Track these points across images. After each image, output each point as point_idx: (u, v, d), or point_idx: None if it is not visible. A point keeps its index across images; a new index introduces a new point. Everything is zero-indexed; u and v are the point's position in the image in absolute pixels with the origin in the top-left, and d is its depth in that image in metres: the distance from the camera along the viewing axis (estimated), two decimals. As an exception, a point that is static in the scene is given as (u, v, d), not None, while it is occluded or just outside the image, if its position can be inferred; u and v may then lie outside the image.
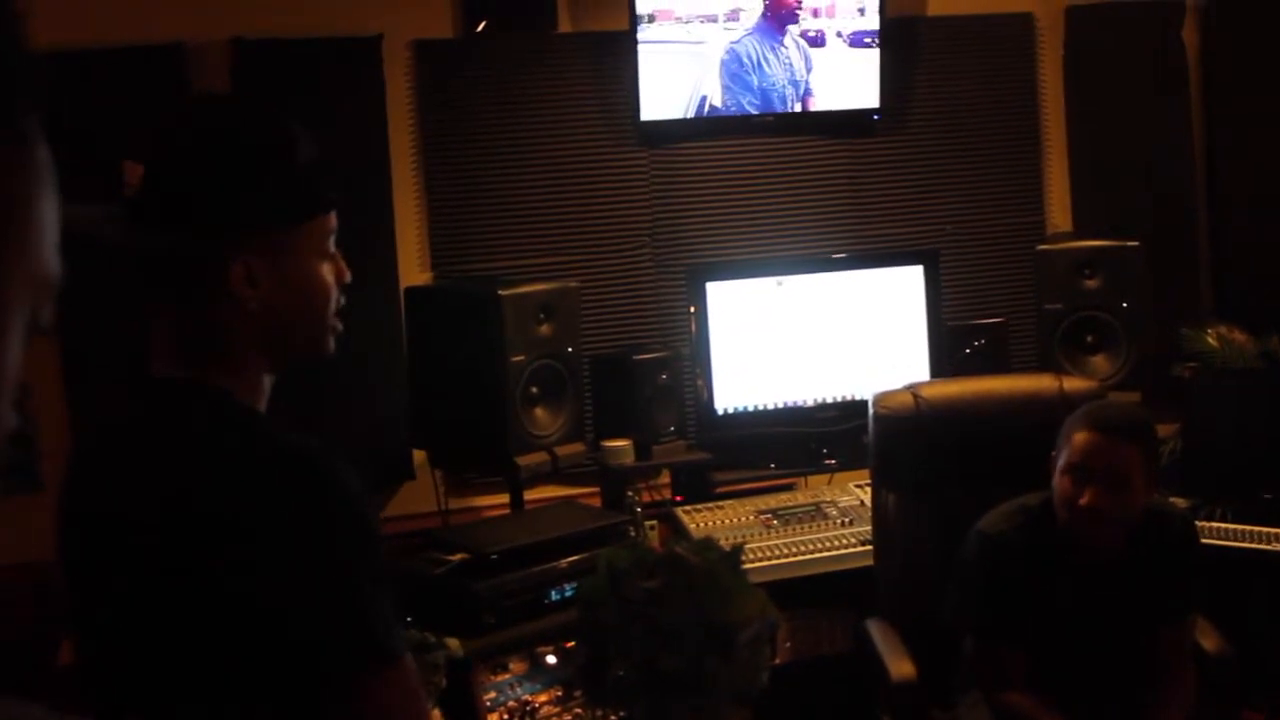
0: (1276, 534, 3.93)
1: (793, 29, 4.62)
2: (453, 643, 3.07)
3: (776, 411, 4.51)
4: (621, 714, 2.88)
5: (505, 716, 3.14)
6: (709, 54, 4.55)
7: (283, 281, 1.60)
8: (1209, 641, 3.39)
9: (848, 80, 4.72)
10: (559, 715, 3.17)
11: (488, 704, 3.13)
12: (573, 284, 4.18)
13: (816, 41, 4.66)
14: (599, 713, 3.03)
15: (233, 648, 1.45)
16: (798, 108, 4.70)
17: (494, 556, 3.36)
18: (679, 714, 2.34)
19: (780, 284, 4.51)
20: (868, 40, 4.70)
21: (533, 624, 3.32)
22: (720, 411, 4.45)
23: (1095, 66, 5.12)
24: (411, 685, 1.52)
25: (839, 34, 4.66)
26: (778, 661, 3.85)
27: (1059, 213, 5.15)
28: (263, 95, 4.14)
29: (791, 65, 4.64)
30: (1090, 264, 4.54)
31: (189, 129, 1.63)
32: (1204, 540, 3.72)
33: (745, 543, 3.79)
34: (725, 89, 4.59)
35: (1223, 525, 4.06)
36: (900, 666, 3.39)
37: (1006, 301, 4.98)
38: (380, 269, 4.36)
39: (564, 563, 3.42)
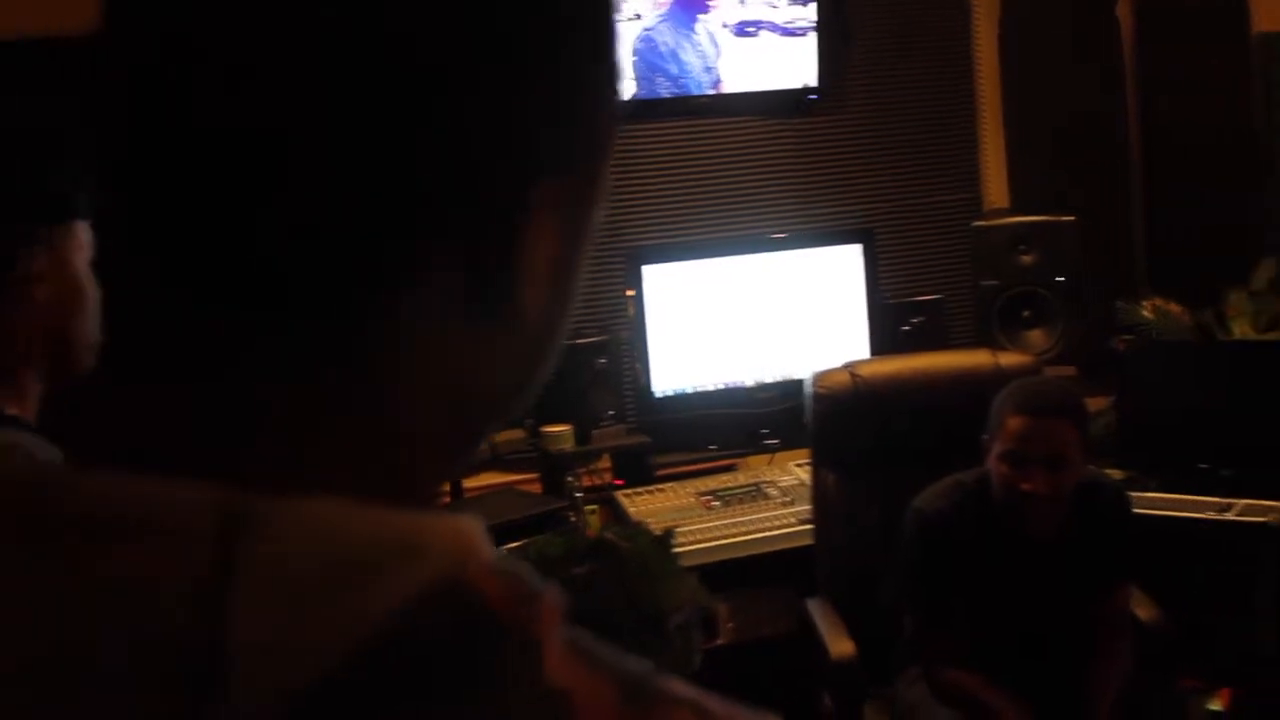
0: (1211, 503, 3.96)
1: (705, 17, 4.59)
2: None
3: (716, 393, 4.52)
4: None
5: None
6: (624, 40, 4.51)
7: (60, 279, 1.57)
8: (1144, 611, 3.42)
9: (779, 60, 4.72)
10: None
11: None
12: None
13: (752, 21, 4.66)
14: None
15: None
16: (710, 93, 4.68)
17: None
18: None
19: (717, 265, 4.51)
20: (804, 20, 4.70)
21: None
22: (659, 394, 4.45)
23: (1030, 43, 5.14)
24: None
25: (773, 6, 4.65)
26: (720, 643, 3.87)
27: (996, 189, 5.18)
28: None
29: (704, 52, 4.63)
30: (1025, 240, 4.57)
31: None
32: (1139, 510, 3.75)
33: (679, 526, 3.81)
34: (641, 78, 4.56)
35: (1158, 495, 4.09)
36: (840, 645, 3.40)
37: (944, 278, 5.01)
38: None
39: (504, 550, 3.41)
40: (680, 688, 0.59)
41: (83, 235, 1.62)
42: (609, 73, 0.65)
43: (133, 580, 0.53)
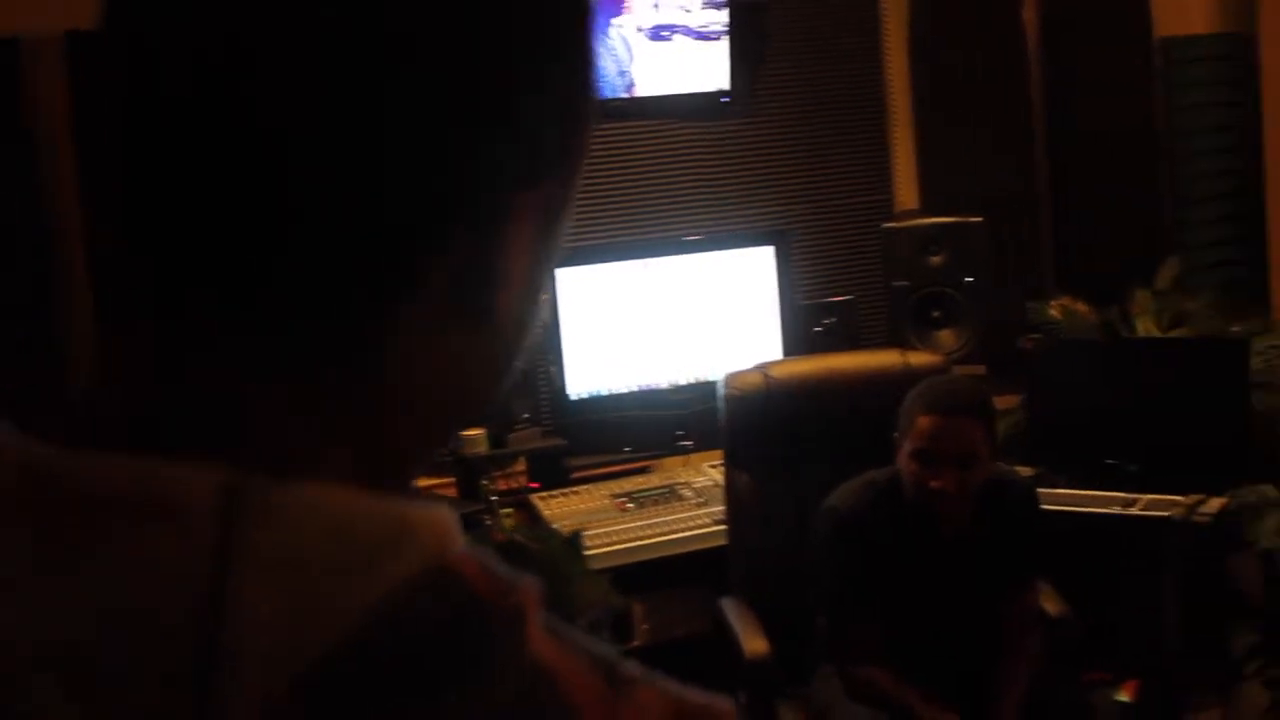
0: (1117, 498, 4.03)
1: (618, 20, 4.61)
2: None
3: (631, 395, 4.54)
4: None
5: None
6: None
7: None
8: (1052, 605, 3.48)
9: (693, 64, 4.74)
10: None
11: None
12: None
13: (667, 25, 4.68)
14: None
15: None
16: (624, 97, 4.70)
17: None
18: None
19: (632, 267, 4.53)
20: (718, 24, 4.72)
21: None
22: (574, 397, 4.46)
23: (938, 47, 5.20)
24: None
25: (687, 10, 4.67)
26: (635, 644, 3.89)
27: (906, 191, 5.23)
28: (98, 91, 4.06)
29: (618, 56, 4.64)
30: (935, 241, 4.62)
31: None
32: (1048, 507, 3.82)
33: (594, 528, 3.83)
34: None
35: (1065, 491, 4.15)
36: (754, 644, 3.43)
37: (856, 279, 5.06)
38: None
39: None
40: (638, 667, 0.62)
41: None
42: (590, 81, 0.66)
43: (135, 561, 0.54)
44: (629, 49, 4.64)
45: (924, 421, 3.17)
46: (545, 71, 0.62)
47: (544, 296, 0.69)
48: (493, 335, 0.65)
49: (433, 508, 0.58)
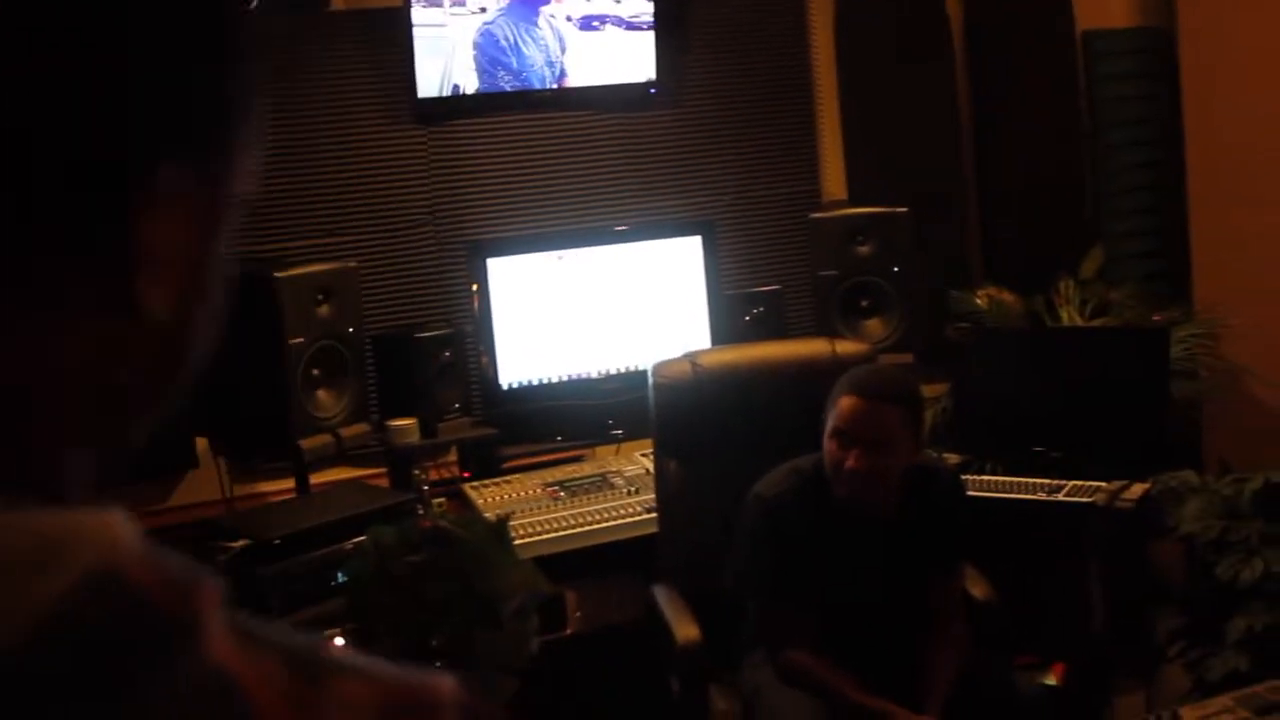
0: (1043, 484, 4.09)
1: (547, 9, 4.62)
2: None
3: (562, 385, 4.55)
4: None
5: (295, 701, 3.12)
6: (462, 36, 4.52)
7: None
8: (979, 590, 3.53)
9: (622, 54, 4.76)
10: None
11: (276, 689, 3.11)
12: (352, 264, 4.15)
13: (597, 15, 4.69)
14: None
15: None
16: (554, 87, 4.71)
17: (277, 541, 3.34)
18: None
19: (561, 258, 4.54)
20: (647, 14, 4.74)
21: (320, 607, 3.30)
22: (505, 386, 4.47)
23: (864, 39, 5.24)
24: None
25: (617, 0, 4.68)
26: (568, 632, 3.90)
27: (833, 181, 5.27)
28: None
29: (548, 46, 4.65)
30: (862, 231, 4.66)
31: None
32: (974, 493, 3.88)
33: (526, 518, 3.84)
34: (482, 71, 4.57)
35: (992, 478, 4.21)
36: (685, 630, 3.45)
37: (783, 269, 5.08)
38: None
39: (349, 544, 3.39)
40: (351, 657, 0.60)
41: None
42: (237, 70, 0.64)
43: None
44: (560, 39, 4.65)
45: (845, 402, 3.23)
46: (154, 52, 0.59)
47: (220, 307, 0.64)
48: (150, 331, 0.60)
49: (99, 513, 0.55)
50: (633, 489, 4.13)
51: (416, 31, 4.43)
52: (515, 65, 4.60)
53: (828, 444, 3.25)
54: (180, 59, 0.60)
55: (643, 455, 4.31)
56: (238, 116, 0.64)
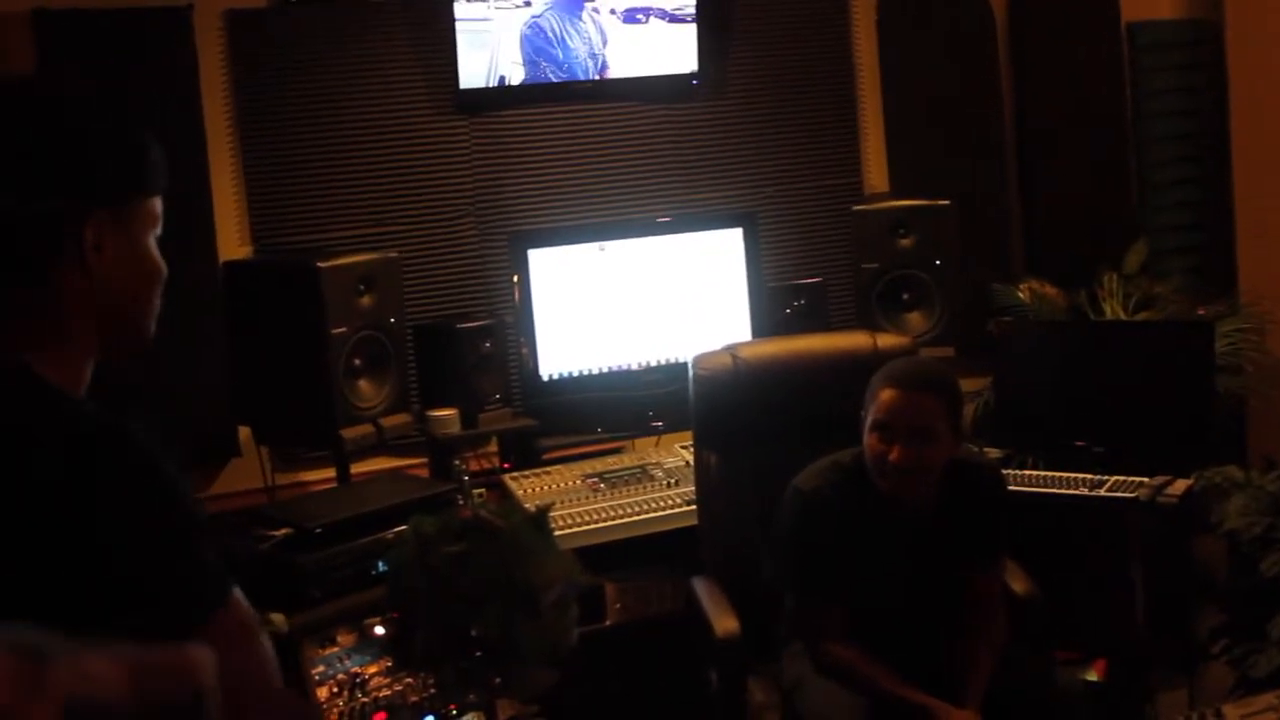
0: (1084, 479, 4.06)
1: (592, 4, 4.63)
2: (277, 618, 3.05)
3: (602, 376, 4.55)
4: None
5: (335, 689, 3.13)
6: (508, 29, 4.54)
7: (125, 251, 1.55)
8: (1020, 585, 3.51)
9: (665, 46, 4.76)
10: (389, 685, 3.17)
11: (316, 677, 3.12)
12: (394, 254, 4.16)
13: (641, 9, 4.68)
14: (430, 680, 3.04)
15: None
16: (596, 78, 4.71)
17: (318, 530, 3.35)
18: (486, 677, 2.36)
19: (603, 249, 4.54)
20: (690, 7, 4.74)
21: (360, 596, 3.31)
22: (546, 378, 4.48)
23: (907, 32, 5.22)
24: (240, 618, 1.47)
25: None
26: (608, 623, 3.91)
27: (875, 174, 5.26)
28: (69, 69, 4.05)
29: (590, 39, 4.66)
30: (904, 223, 4.64)
31: (30, 94, 1.57)
32: (1015, 488, 3.85)
33: (566, 509, 3.84)
34: (529, 63, 4.58)
35: (1033, 473, 4.18)
36: (724, 622, 3.45)
37: (825, 262, 5.08)
38: (198, 243, 4.30)
39: (390, 534, 3.40)
40: (99, 643, 0.62)
41: (154, 210, 1.60)
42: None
43: None
44: (602, 31, 4.65)
45: (884, 395, 3.21)
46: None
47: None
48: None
49: None
50: (672, 481, 4.13)
51: (460, 25, 4.45)
52: (560, 57, 4.61)
53: (869, 438, 3.24)
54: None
55: (682, 447, 4.31)
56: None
